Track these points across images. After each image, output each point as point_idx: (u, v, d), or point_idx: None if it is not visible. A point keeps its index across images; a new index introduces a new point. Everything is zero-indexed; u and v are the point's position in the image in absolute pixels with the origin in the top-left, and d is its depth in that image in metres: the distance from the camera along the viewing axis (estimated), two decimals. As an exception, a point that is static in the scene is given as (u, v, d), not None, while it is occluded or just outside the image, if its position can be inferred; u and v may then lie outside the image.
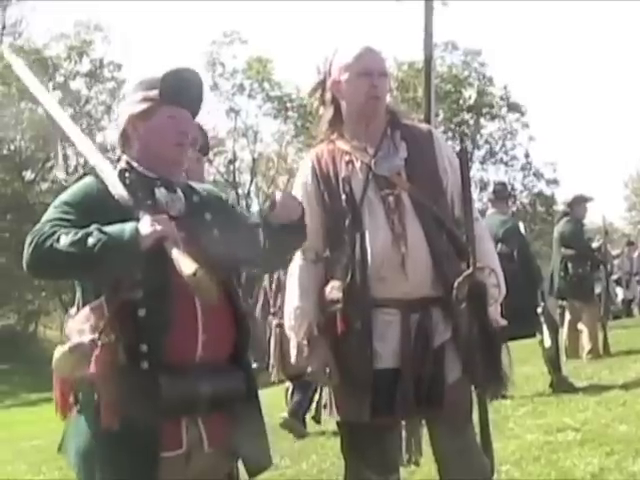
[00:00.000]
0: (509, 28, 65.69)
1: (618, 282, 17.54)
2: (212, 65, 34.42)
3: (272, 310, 7.45)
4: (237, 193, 35.39)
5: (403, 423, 3.44)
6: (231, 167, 36.29)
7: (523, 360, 9.15)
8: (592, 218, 11.94)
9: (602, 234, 10.85)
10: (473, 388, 3.44)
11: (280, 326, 7.04)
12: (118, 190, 2.71)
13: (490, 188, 9.50)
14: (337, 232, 3.35)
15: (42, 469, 7.37)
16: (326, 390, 3.53)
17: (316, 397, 7.17)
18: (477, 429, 3.54)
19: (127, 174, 2.79)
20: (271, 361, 7.39)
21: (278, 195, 2.81)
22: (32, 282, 27.95)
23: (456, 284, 3.28)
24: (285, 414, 7.33)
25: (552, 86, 69.68)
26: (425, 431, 3.44)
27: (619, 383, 7.68)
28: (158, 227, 2.56)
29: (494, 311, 3.42)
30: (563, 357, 8.74)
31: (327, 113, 3.53)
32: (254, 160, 36.13)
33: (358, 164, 3.40)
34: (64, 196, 2.75)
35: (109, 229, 2.55)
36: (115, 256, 2.54)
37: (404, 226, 3.31)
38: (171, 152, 2.83)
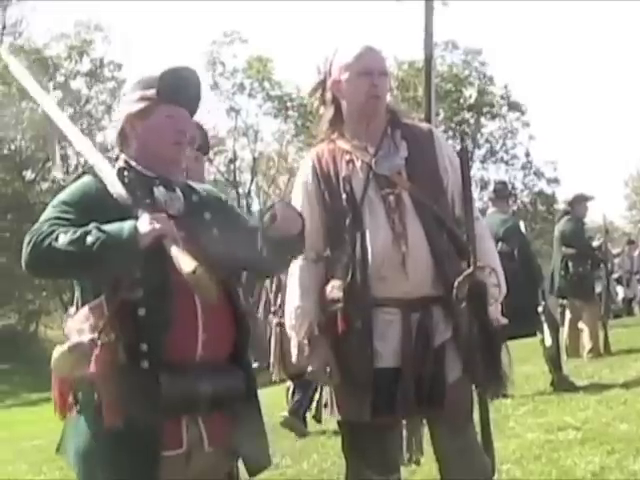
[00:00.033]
0: (509, 27, 65.72)
1: (619, 281, 17.54)
2: (212, 64, 34.43)
3: (272, 309, 7.45)
4: (238, 192, 35.40)
5: (404, 422, 3.44)
6: (231, 166, 36.28)
7: (524, 359, 9.15)
8: (593, 217, 11.94)
9: (603, 233, 10.86)
10: (474, 387, 3.44)
11: (280, 325, 7.05)
12: (117, 189, 2.70)
13: (490, 187, 9.50)
14: (338, 231, 3.35)
15: (43, 469, 7.37)
16: (326, 389, 3.53)
17: (316, 396, 7.18)
18: (478, 428, 3.54)
19: (126, 172, 2.79)
20: (271, 360, 7.40)
21: (279, 207, 2.77)
22: (33, 282, 27.97)
23: (456, 283, 3.27)
24: (285, 413, 7.33)
25: (552, 85, 69.72)
26: (426, 430, 3.45)
27: (620, 382, 7.68)
28: (157, 225, 2.56)
29: (495, 310, 3.42)
30: (564, 356, 8.74)
31: (328, 113, 3.53)
32: (254, 159, 36.13)
33: (359, 163, 3.40)
34: (62, 195, 2.74)
35: (108, 227, 2.54)
36: (114, 254, 2.53)
37: (405, 225, 3.31)
38: (169, 151, 2.83)
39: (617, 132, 73.52)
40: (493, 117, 36.84)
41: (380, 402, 3.25)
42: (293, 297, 3.44)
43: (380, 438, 3.34)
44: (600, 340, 9.89)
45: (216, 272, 2.58)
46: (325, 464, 5.91)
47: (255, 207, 36.13)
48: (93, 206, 2.66)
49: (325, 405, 3.54)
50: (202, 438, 2.71)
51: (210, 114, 30.91)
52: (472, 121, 36.52)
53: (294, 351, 3.45)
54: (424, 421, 3.43)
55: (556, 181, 36.84)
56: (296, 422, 7.32)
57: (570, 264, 9.86)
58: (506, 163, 37.12)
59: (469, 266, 3.34)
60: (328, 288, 3.36)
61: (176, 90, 2.80)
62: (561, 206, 12.88)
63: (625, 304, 18.02)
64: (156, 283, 2.61)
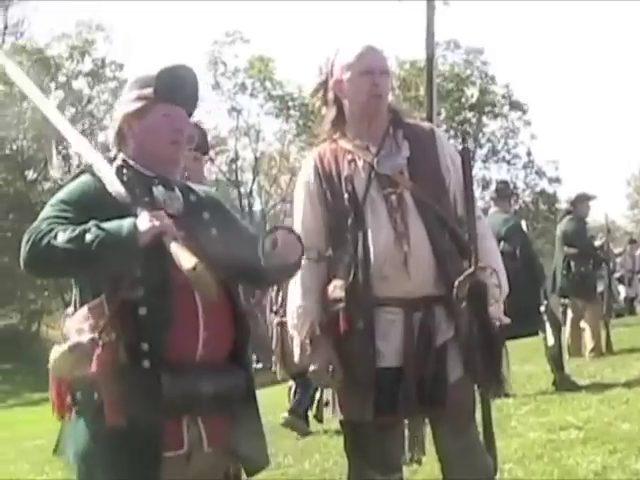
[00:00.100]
0: (511, 27, 65.71)
1: (620, 280, 17.54)
2: (214, 64, 34.43)
3: (274, 308, 7.45)
4: (239, 192, 35.41)
5: (406, 422, 3.44)
6: (233, 166, 36.29)
7: (526, 358, 9.16)
8: (594, 216, 11.92)
9: (604, 232, 10.85)
10: (476, 387, 3.44)
11: (281, 324, 7.05)
12: (116, 187, 2.70)
13: (492, 186, 9.52)
14: (339, 231, 3.34)
15: (45, 469, 7.36)
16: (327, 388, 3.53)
17: (317, 395, 7.18)
18: (480, 428, 3.54)
19: (125, 171, 2.78)
20: (273, 359, 7.41)
21: (281, 233, 2.76)
22: (35, 281, 27.98)
23: (457, 283, 3.27)
24: (285, 414, 7.33)
25: (554, 84, 69.69)
26: (428, 430, 3.45)
27: (622, 381, 7.68)
28: (156, 222, 2.55)
29: (497, 309, 3.42)
30: (566, 355, 8.73)
31: (330, 113, 3.53)
32: (256, 159, 36.14)
33: (360, 163, 3.40)
34: (61, 194, 2.74)
35: (107, 225, 2.53)
36: (113, 252, 2.52)
37: (406, 225, 3.31)
38: (167, 150, 2.82)
39: (619, 131, 73.58)
40: (495, 116, 36.82)
41: (382, 402, 3.24)
42: (295, 296, 3.43)
43: (382, 438, 3.34)
44: (602, 339, 9.89)
45: (216, 272, 2.58)
46: (327, 464, 5.91)
47: (257, 207, 36.20)
48: (92, 205, 2.66)
49: (326, 404, 3.54)
50: (202, 438, 2.71)
51: (212, 114, 30.97)
52: (474, 120, 36.50)
53: (296, 351, 3.45)
54: (426, 420, 3.43)
55: (558, 180, 36.86)
56: (297, 421, 7.32)
57: (572, 263, 9.86)
58: (508, 162, 37.11)
59: (471, 266, 3.34)
60: (330, 288, 3.36)
61: (173, 89, 2.79)
62: (563, 205, 12.91)
63: (627, 303, 18.02)
64: (157, 282, 2.60)
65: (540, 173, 36.98)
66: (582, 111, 74.59)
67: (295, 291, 3.44)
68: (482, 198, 25.86)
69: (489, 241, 3.55)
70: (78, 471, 2.71)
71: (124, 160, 2.83)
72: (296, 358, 3.49)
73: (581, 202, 9.93)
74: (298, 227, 3.46)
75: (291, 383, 7.61)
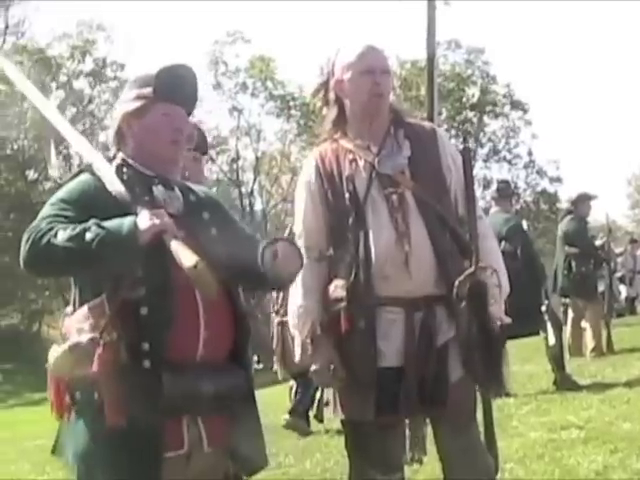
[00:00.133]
0: (512, 26, 65.67)
1: (621, 280, 17.52)
2: (215, 64, 34.39)
3: (275, 308, 7.45)
4: (240, 192, 35.40)
5: (407, 422, 3.44)
6: (234, 166, 36.26)
7: (527, 358, 9.16)
8: (595, 216, 11.92)
9: (605, 232, 10.85)
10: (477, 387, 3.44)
11: (281, 324, 7.05)
12: (116, 187, 2.69)
13: (493, 186, 9.54)
14: (341, 231, 3.34)
15: (46, 469, 7.36)
16: (328, 388, 3.53)
17: (317, 395, 7.18)
18: (481, 427, 3.54)
19: (125, 169, 2.78)
20: (274, 359, 7.41)
21: (282, 245, 2.76)
22: (35, 281, 27.98)
23: (457, 282, 3.27)
24: (286, 415, 7.32)
25: (555, 84, 69.69)
26: (429, 430, 3.45)
27: (623, 381, 7.68)
28: (157, 221, 2.54)
29: (498, 309, 3.42)
30: (566, 355, 8.72)
31: (331, 113, 3.53)
32: (257, 159, 36.12)
33: (362, 163, 3.40)
34: (61, 193, 2.73)
35: (107, 224, 2.53)
36: (113, 251, 2.51)
37: (408, 224, 3.31)
38: (166, 150, 2.82)
39: (620, 131, 73.53)
40: (496, 116, 36.80)
41: (383, 401, 3.25)
42: (296, 296, 3.43)
43: (383, 437, 3.34)
44: (603, 339, 9.88)
45: (216, 272, 2.57)
46: (328, 463, 5.91)
47: (258, 206, 36.17)
48: (92, 204, 2.65)
49: (326, 404, 3.54)
50: (202, 438, 2.71)
51: (213, 114, 30.96)
52: (475, 120, 36.47)
53: (297, 350, 3.45)
54: (427, 420, 3.43)
55: (559, 180, 36.83)
56: (298, 422, 7.32)
57: (573, 263, 9.86)
58: (509, 162, 37.09)
59: (471, 265, 3.34)
60: (331, 287, 3.36)
61: (172, 88, 2.79)
62: (564, 205, 12.91)
63: (628, 303, 18.00)
64: (157, 281, 2.60)
65: (541, 173, 36.97)
66: (583, 111, 74.61)
67: (296, 291, 3.43)
68: (483, 198, 25.84)
69: (490, 241, 3.54)
70: (78, 471, 2.70)
71: (123, 159, 2.82)
72: (297, 358, 3.49)
73: (582, 202, 9.93)
74: (299, 226, 3.47)
75: (292, 383, 7.61)
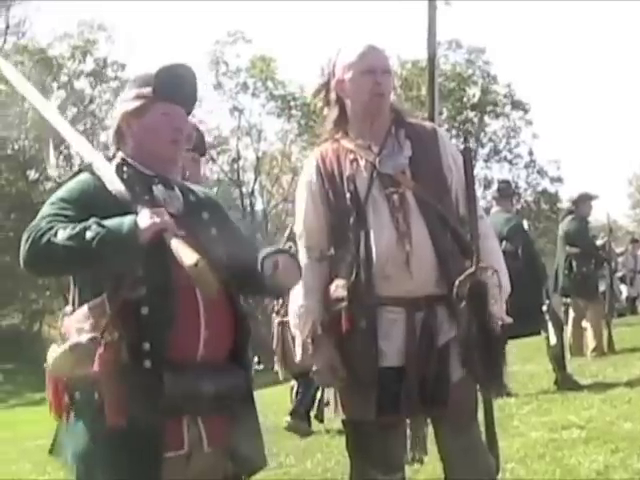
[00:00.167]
0: (513, 26, 65.61)
1: (622, 280, 17.52)
2: (216, 64, 34.37)
3: (275, 308, 7.45)
4: (241, 192, 35.39)
5: (408, 421, 3.44)
6: (235, 166, 36.24)
7: (528, 358, 9.15)
8: (596, 216, 11.93)
9: (606, 232, 10.86)
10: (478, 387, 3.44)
11: (282, 324, 7.05)
12: (116, 186, 2.69)
13: (494, 186, 9.55)
14: (342, 230, 3.34)
15: (47, 469, 7.35)
16: (328, 388, 3.53)
17: (318, 395, 7.18)
18: (482, 427, 3.54)
19: (125, 169, 2.78)
20: (274, 359, 7.41)
21: (282, 258, 2.79)
22: (36, 281, 27.96)
23: (457, 282, 3.27)
24: (288, 418, 7.32)
25: (556, 84, 69.58)
26: (430, 429, 3.44)
27: (624, 380, 7.68)
28: (157, 219, 2.54)
29: (499, 309, 3.42)
30: (567, 355, 8.72)
31: (332, 113, 3.52)
32: (258, 159, 36.10)
33: (362, 162, 3.40)
34: (60, 192, 2.73)
35: (108, 223, 2.52)
36: (114, 250, 2.51)
37: (408, 224, 3.31)
38: (166, 149, 2.82)
39: (621, 130, 73.49)
40: (496, 116, 36.77)
41: (384, 401, 3.25)
42: (297, 296, 3.43)
43: (384, 437, 3.34)
44: (604, 339, 9.88)
45: (217, 272, 2.57)
46: (329, 463, 5.91)
47: (259, 206, 36.15)
48: (92, 203, 2.65)
49: (327, 404, 3.54)
50: (202, 438, 2.71)
51: (213, 113, 30.95)
52: (475, 120, 36.45)
53: (298, 350, 3.45)
54: (428, 420, 3.43)
55: (559, 180, 36.79)
56: (299, 423, 7.32)
57: (574, 263, 9.86)
58: (509, 162, 37.05)
59: (472, 265, 3.34)
60: (332, 287, 3.36)
61: (172, 88, 2.79)
62: (565, 205, 12.91)
63: (629, 303, 17.99)
64: (158, 281, 2.60)
65: (542, 172, 36.93)
66: (584, 110, 74.58)
67: (297, 290, 3.43)
68: (484, 198, 25.89)
69: (491, 241, 3.54)
70: (77, 471, 2.69)
71: (123, 159, 2.82)
72: (298, 358, 3.49)
73: (583, 202, 9.93)
74: (300, 226, 3.47)
75: (293, 383, 7.61)
